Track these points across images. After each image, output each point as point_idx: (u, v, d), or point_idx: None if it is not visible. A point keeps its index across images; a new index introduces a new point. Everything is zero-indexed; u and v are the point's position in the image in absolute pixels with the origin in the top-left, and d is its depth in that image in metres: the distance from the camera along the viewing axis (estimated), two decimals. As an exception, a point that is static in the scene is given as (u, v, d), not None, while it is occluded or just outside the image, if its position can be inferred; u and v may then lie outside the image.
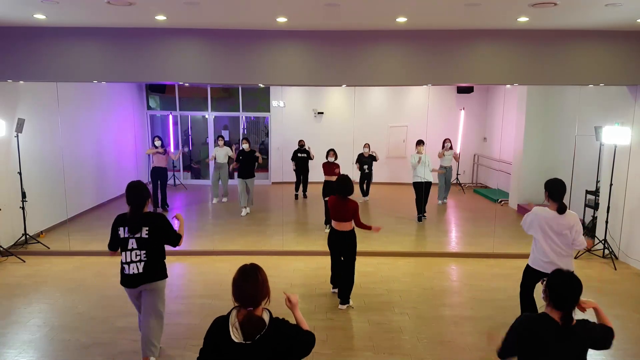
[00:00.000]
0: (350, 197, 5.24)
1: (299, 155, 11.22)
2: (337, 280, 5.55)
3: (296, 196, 11.41)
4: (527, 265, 4.56)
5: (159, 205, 9.86)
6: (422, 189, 9.06)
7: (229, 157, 10.52)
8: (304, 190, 11.46)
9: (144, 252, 3.81)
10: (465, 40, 6.42)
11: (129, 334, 4.64)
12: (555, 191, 4.16)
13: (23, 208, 7.32)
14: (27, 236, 7.42)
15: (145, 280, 3.86)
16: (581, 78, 6.51)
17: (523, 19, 5.72)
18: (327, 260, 6.87)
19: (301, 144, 11.37)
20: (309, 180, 11.49)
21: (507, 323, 5.45)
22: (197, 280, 6.17)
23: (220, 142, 10.52)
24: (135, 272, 3.81)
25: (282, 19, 5.82)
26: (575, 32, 6.34)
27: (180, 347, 4.44)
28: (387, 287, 5.93)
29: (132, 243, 3.79)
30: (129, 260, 3.81)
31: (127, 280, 3.89)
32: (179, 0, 5.03)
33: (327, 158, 8.69)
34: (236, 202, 10.31)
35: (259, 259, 6.95)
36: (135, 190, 3.85)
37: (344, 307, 5.29)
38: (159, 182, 9.78)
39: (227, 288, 5.75)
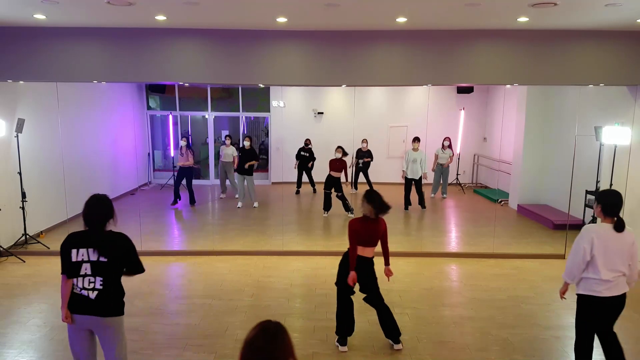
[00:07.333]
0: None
1: (302, 153, 11.64)
2: (351, 327, 4.52)
3: (297, 192, 11.79)
4: (580, 296, 3.76)
5: (187, 201, 10.34)
6: (410, 185, 10.03)
7: (233, 157, 10.73)
8: (313, 186, 11.87)
9: (100, 279, 3.10)
10: (465, 40, 6.42)
11: (128, 334, 4.62)
12: (609, 204, 3.54)
13: (23, 208, 7.32)
14: (27, 236, 7.42)
15: (96, 310, 3.11)
16: (581, 78, 6.51)
17: (523, 19, 5.72)
18: (326, 261, 6.89)
19: (307, 142, 11.68)
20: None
21: (507, 323, 5.43)
22: (197, 280, 6.16)
23: (228, 142, 10.81)
24: (86, 295, 3.11)
25: (282, 19, 5.82)
26: (575, 32, 6.34)
27: (179, 347, 4.44)
28: (387, 287, 5.89)
29: (85, 268, 3.09)
30: (80, 287, 3.11)
31: (75, 302, 3.12)
32: (179, 0, 5.03)
33: (335, 154, 9.31)
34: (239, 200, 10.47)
35: (259, 259, 7.02)
36: (97, 204, 3.20)
37: (400, 346, 4.47)
38: (183, 181, 10.24)
39: (227, 288, 5.80)
